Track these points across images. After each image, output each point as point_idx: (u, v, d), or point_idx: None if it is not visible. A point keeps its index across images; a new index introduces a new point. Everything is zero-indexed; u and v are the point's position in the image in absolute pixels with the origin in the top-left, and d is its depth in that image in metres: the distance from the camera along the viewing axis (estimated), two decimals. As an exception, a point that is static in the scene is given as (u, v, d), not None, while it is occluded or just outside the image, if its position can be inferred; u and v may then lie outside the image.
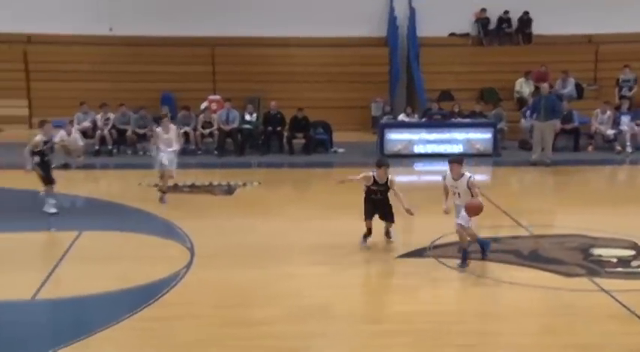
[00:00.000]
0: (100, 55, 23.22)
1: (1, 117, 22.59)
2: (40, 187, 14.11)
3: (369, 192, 11.87)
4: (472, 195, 10.91)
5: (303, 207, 15.40)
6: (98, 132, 20.20)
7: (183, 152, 19.99)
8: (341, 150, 21.06)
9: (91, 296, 10.35)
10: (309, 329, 9.10)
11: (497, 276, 10.47)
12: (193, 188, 16.37)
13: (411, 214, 11.56)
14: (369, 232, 12.05)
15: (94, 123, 20.39)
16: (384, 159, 12.26)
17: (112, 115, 20.53)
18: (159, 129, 15.13)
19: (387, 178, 11.74)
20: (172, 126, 15.45)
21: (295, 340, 8.77)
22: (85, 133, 19.85)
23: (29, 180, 16.28)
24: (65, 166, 17.89)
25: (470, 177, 11.04)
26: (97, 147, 20.01)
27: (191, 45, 23.48)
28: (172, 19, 23.11)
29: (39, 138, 13.68)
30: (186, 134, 20.47)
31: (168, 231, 13.09)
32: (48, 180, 13.92)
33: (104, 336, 8.90)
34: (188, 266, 11.27)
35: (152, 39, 23.24)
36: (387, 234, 12.24)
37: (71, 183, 16.54)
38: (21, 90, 23.22)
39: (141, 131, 20.40)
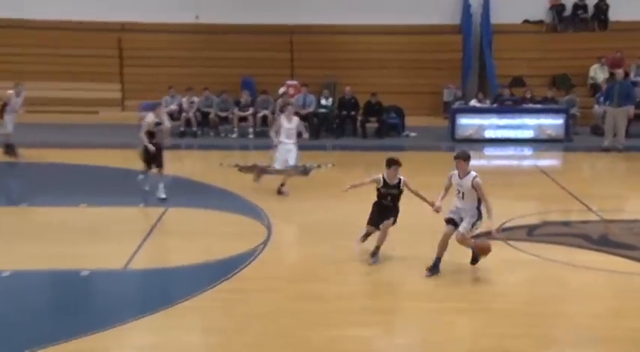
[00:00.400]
0: (187, 42, 23.48)
1: (96, 100, 23.07)
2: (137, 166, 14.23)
3: (379, 196, 10.50)
4: (477, 198, 9.60)
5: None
6: (184, 115, 20.46)
7: (263, 134, 20.22)
8: (413, 134, 20.85)
9: (176, 268, 10.58)
10: (381, 305, 9.07)
11: (566, 259, 10.20)
12: (270, 168, 16.34)
13: (437, 212, 10.09)
14: (366, 237, 10.55)
15: (180, 106, 20.66)
16: (394, 157, 10.50)
17: (196, 99, 20.77)
18: (282, 118, 14.38)
19: (400, 180, 10.34)
20: (295, 117, 14.53)
21: (367, 315, 8.78)
22: (171, 115, 20.08)
23: (122, 159, 16.66)
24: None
25: (475, 176, 9.67)
26: (182, 129, 20.27)
27: (271, 32, 23.51)
28: (253, 8, 23.19)
29: (151, 119, 13.60)
30: (264, 117, 20.56)
31: (247, 209, 13.19)
32: (155, 162, 13.66)
33: (187, 306, 9.07)
34: (265, 242, 11.36)
35: (234, 27, 23.37)
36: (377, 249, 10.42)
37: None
38: (115, 75, 23.66)
39: (223, 114, 20.59)
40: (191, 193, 14.39)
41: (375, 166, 17.59)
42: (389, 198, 10.35)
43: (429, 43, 23.70)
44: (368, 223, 10.47)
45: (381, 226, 10.30)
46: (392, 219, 10.35)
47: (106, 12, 23.23)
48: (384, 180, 10.30)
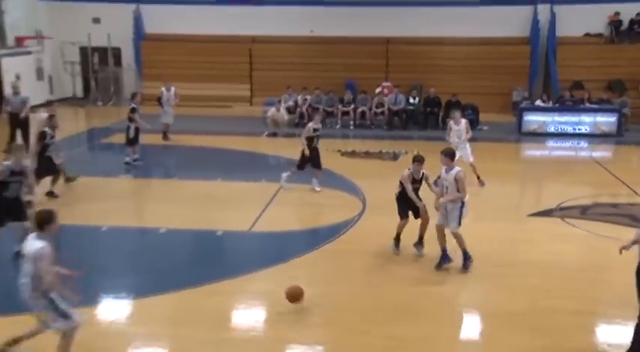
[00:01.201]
0: (302, 51, 23.56)
1: (230, 97, 23.52)
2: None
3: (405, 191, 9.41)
4: (457, 190, 8.73)
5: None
6: (298, 110, 20.59)
7: (361, 126, 20.17)
8: (485, 127, 20.30)
9: (289, 231, 10.74)
10: (452, 265, 8.95)
11: (613, 235, 9.77)
12: (367, 154, 16.37)
13: (437, 209, 9.04)
14: (398, 238, 9.55)
15: (296, 102, 20.78)
16: (420, 154, 9.68)
17: (308, 97, 20.84)
18: (451, 122, 13.36)
19: (422, 173, 9.58)
20: (463, 120, 13.38)
21: (441, 274, 8.65)
22: (289, 110, 20.31)
23: (249, 144, 16.94)
24: (274, 134, 18.42)
25: (458, 171, 8.89)
26: (297, 121, 20.40)
27: (370, 43, 23.31)
28: (356, 22, 23.03)
29: (311, 126, 12.68)
30: (363, 112, 20.50)
31: (347, 186, 13.22)
32: (312, 162, 12.62)
33: (297, 262, 9.24)
34: (361, 213, 11.38)
35: (341, 38, 23.28)
36: (421, 240, 9.49)
37: (277, 147, 17.06)
38: (245, 77, 24.03)
39: (329, 109, 20.60)
40: (304, 172, 14.52)
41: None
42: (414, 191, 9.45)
43: (502, 52, 22.99)
44: (402, 217, 9.50)
45: (420, 219, 9.45)
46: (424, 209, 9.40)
47: (240, 28, 23.62)
48: (413, 176, 9.46)
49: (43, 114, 14.56)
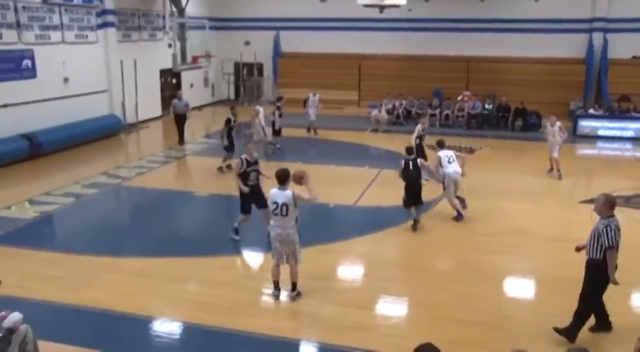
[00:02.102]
0: (400, 66, 23.11)
1: (343, 101, 23.56)
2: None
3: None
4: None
5: (518, 164, 14.39)
6: (395, 111, 20.35)
7: (445, 125, 19.63)
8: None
9: (386, 207, 10.70)
10: (512, 241, 8.66)
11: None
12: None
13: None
14: (416, 224, 9.09)
15: (394, 105, 20.55)
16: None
17: (404, 101, 20.53)
18: (548, 123, 12.76)
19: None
20: (558, 122, 12.52)
21: (503, 247, 8.42)
22: (388, 111, 20.13)
23: (357, 137, 16.97)
24: (376, 131, 18.34)
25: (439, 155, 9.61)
26: (394, 120, 20.18)
27: (454, 61, 22.54)
28: (443, 45, 22.34)
29: (419, 126, 12.32)
30: (447, 115, 19.97)
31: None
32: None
33: (391, 231, 9.26)
34: (443, 195, 11.13)
35: (430, 57, 22.64)
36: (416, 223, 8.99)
37: (378, 141, 16.98)
38: (355, 85, 23.96)
39: (420, 111, 20.17)
40: (398, 161, 14.39)
41: (518, 150, 16.68)
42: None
43: (562, 70, 21.52)
44: (409, 205, 9.10)
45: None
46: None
47: (353, 48, 23.54)
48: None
49: (258, 108, 14.88)
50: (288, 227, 6.65)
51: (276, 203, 6.60)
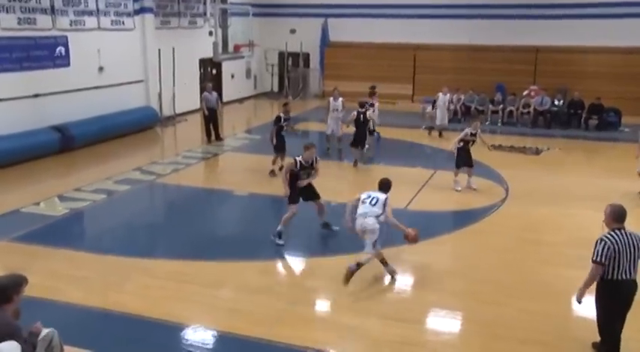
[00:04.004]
0: (458, 57, 22.72)
1: (396, 95, 23.28)
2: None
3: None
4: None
5: (592, 168, 13.94)
6: (452, 107, 19.96)
7: (508, 123, 19.14)
8: (627, 129, 18.42)
9: (439, 211, 10.58)
10: (583, 254, 8.23)
11: None
12: (512, 148, 15.52)
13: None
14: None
15: (450, 100, 20.17)
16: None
17: (462, 96, 20.14)
18: None
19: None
20: None
21: (572, 259, 8.12)
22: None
23: (409, 135, 16.79)
24: (430, 128, 17.98)
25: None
26: (450, 117, 19.81)
27: (520, 51, 21.94)
28: (508, 33, 21.76)
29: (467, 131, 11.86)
30: (510, 112, 19.47)
31: (493, 176, 12.69)
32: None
33: (444, 238, 9.10)
34: (503, 200, 10.89)
35: (493, 47, 22.13)
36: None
37: (432, 139, 16.74)
38: (409, 78, 23.70)
39: (480, 107, 19.78)
40: (453, 161, 14.13)
41: (591, 152, 16.07)
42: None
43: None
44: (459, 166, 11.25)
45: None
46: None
47: (407, 37, 23.28)
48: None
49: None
50: (370, 216, 7.39)
51: (369, 195, 7.60)
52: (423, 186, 11.69)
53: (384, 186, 7.78)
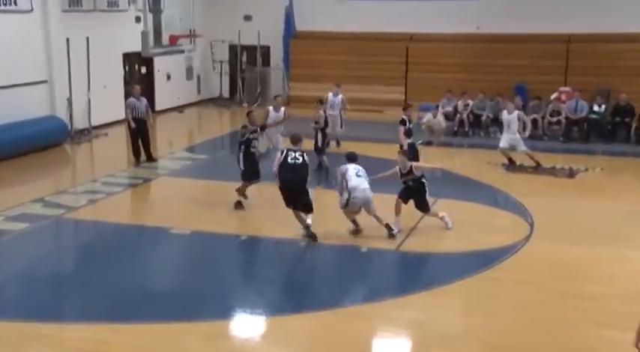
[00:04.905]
0: (466, 50, 23.16)
1: (382, 101, 23.58)
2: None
3: None
4: None
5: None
6: (458, 116, 20.29)
7: (531, 136, 19.37)
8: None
9: (443, 253, 10.63)
10: (634, 309, 8.36)
11: None
12: (537, 169, 15.70)
13: None
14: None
15: (455, 108, 20.50)
16: None
17: (470, 102, 20.50)
18: None
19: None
20: None
21: (625, 317, 7.99)
22: (447, 116, 20.06)
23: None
24: (428, 143, 18.23)
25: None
26: (455, 129, 20.11)
27: (547, 41, 22.42)
28: (531, 17, 22.22)
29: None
30: (535, 121, 19.81)
31: (511, 205, 12.83)
32: None
33: (451, 288, 9.09)
34: (527, 238, 11.00)
35: (512, 36, 22.62)
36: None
37: (432, 157, 16.83)
38: (400, 79, 24.01)
39: (494, 116, 20.12)
40: (459, 187, 14.27)
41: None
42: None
43: None
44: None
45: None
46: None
47: (397, 24, 23.56)
48: None
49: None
50: (367, 187, 10.74)
51: (356, 168, 10.84)
52: (419, 221, 11.74)
53: (353, 157, 11.23)
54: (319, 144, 15.50)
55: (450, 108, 20.42)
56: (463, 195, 13.40)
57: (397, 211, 11.23)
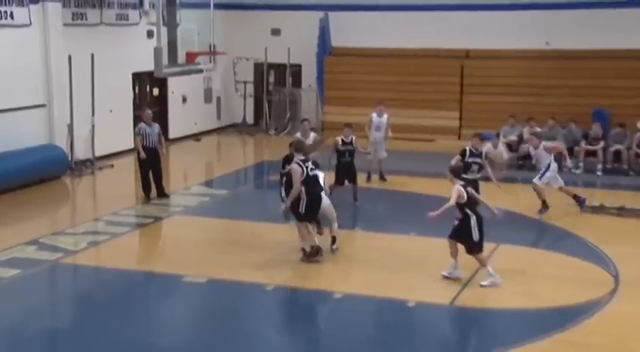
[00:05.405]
0: (533, 69, 23.02)
1: (432, 128, 23.52)
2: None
3: None
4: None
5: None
6: (523, 146, 20.07)
7: (614, 171, 19.12)
8: None
9: (507, 309, 10.40)
10: None
11: None
12: (622, 211, 15.38)
13: None
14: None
15: (520, 136, 20.33)
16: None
17: (538, 129, 20.26)
18: None
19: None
20: None
21: None
22: (510, 146, 19.90)
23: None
24: (487, 178, 17.97)
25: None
26: (520, 162, 19.90)
27: (632, 58, 22.17)
28: (611, 30, 21.99)
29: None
30: (617, 152, 19.55)
31: (589, 253, 12.56)
32: None
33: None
34: (612, 293, 10.73)
35: (587, 52, 22.39)
36: None
37: (492, 195, 16.60)
38: (454, 102, 23.94)
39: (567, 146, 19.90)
40: (524, 230, 14.06)
41: None
42: None
43: None
44: None
45: None
46: None
47: (453, 39, 23.58)
48: None
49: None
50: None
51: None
52: (477, 270, 11.55)
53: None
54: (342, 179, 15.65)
55: (513, 137, 20.28)
56: (530, 240, 13.25)
57: (453, 253, 11.03)
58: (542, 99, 22.07)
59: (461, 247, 11.06)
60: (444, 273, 11.00)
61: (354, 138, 15.86)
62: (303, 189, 11.50)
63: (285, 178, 12.64)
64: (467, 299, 10.55)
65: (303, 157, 11.85)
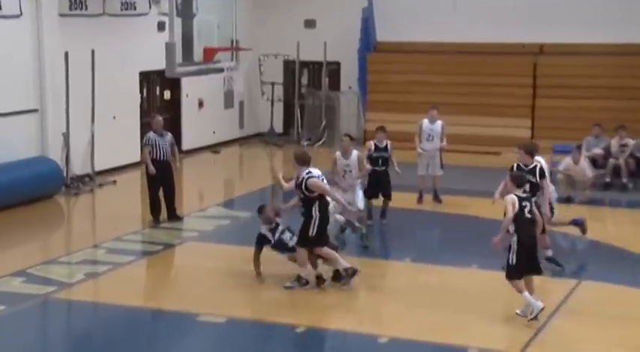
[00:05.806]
0: (622, 66, 22.78)
1: (498, 139, 23.31)
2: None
3: None
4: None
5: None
6: (611, 161, 19.89)
7: None
8: None
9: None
10: None
11: None
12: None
13: None
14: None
15: (608, 150, 20.11)
16: None
17: (631, 141, 20.05)
18: None
19: None
20: None
21: None
22: (595, 162, 19.70)
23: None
24: (568, 200, 17.90)
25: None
26: (608, 180, 19.71)
27: None
28: None
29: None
30: None
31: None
32: None
33: None
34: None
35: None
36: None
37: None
38: (525, 107, 23.85)
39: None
40: (613, 264, 13.92)
41: None
42: None
43: None
44: None
45: None
46: None
47: (523, 32, 23.52)
48: None
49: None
50: None
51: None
52: (555, 311, 11.47)
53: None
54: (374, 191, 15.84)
55: (599, 150, 20.07)
56: (616, 275, 13.10)
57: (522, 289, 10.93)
58: (635, 104, 21.88)
59: (537, 278, 11.04)
60: (518, 311, 10.90)
61: (389, 143, 15.86)
62: (316, 204, 12.05)
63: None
64: (540, 348, 10.46)
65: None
